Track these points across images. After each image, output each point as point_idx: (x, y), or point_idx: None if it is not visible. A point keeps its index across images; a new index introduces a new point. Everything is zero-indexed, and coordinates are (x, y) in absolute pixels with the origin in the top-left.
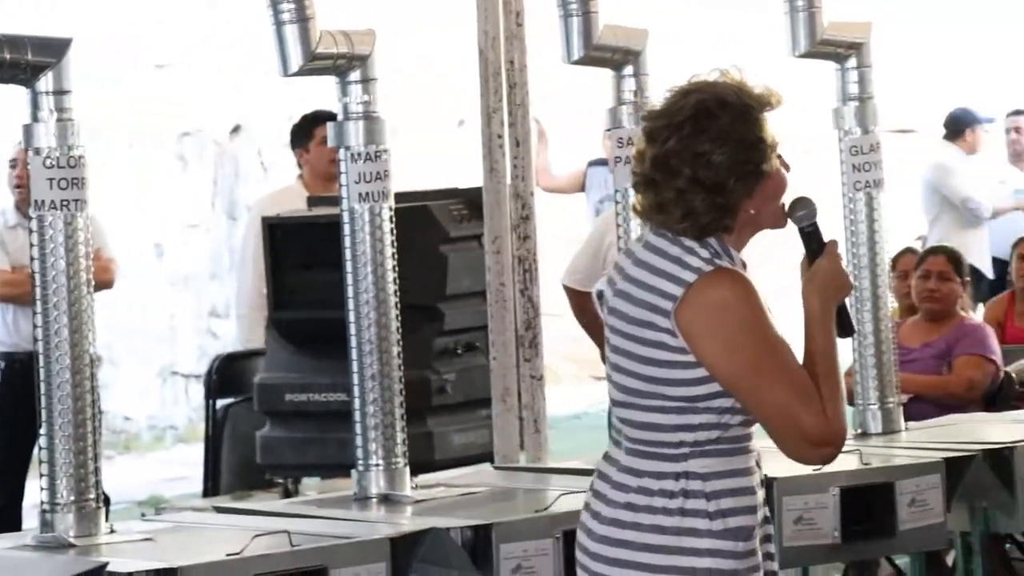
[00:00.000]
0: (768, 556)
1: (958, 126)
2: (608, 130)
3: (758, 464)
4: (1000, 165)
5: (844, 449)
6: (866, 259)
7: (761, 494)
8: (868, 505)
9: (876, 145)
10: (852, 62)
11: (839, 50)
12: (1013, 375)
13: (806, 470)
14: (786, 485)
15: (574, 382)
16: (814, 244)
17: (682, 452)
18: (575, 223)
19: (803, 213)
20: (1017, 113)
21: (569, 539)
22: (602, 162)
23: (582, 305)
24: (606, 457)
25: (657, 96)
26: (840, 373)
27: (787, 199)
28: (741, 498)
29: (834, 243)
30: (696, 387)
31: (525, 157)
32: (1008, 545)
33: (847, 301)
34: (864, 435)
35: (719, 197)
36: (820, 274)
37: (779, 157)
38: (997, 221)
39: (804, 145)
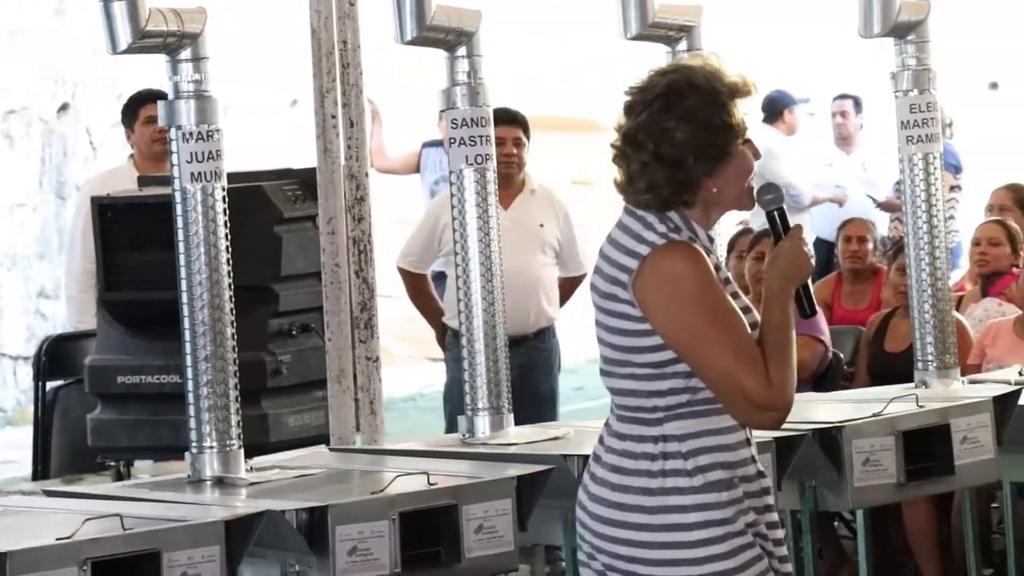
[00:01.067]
0: (767, 508)
1: (775, 108)
2: (443, 111)
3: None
4: (827, 147)
5: None
6: None
7: (749, 450)
8: None
9: None
10: (683, 45)
11: (670, 33)
12: (840, 355)
13: None
14: None
15: (410, 363)
16: (779, 227)
17: (657, 416)
18: (410, 204)
19: (770, 197)
20: (842, 97)
21: (405, 520)
22: (437, 143)
23: (417, 287)
24: (605, 422)
25: (490, 76)
26: (792, 348)
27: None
28: (718, 454)
29: (798, 227)
30: (658, 353)
31: (359, 137)
32: (836, 523)
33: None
34: None
35: (679, 173)
36: (782, 255)
37: (747, 143)
38: (825, 204)
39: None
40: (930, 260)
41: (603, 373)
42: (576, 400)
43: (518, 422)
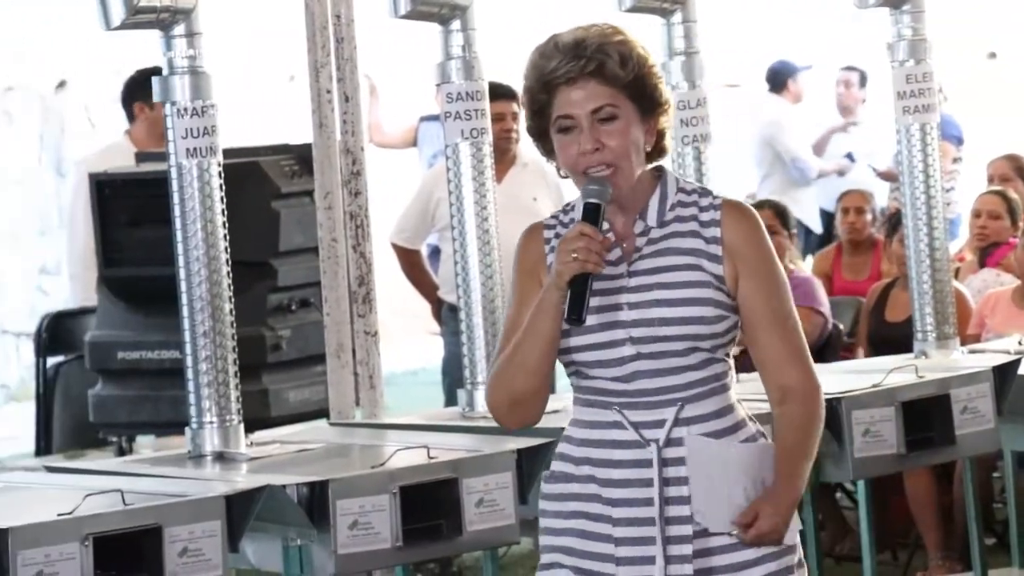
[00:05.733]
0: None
1: (780, 78)
2: (439, 85)
3: (620, 424)
4: (830, 115)
5: None
6: None
7: (592, 452)
8: None
9: (703, 100)
10: (678, 17)
11: (665, 5)
12: (840, 326)
13: None
14: None
15: (408, 338)
16: (588, 220)
17: None
18: (409, 179)
19: (590, 189)
20: (848, 69)
21: (406, 494)
22: (435, 117)
23: (411, 262)
24: None
25: (485, 50)
26: (515, 351)
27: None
28: (563, 446)
29: (576, 226)
30: None
31: (355, 112)
32: (838, 494)
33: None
34: None
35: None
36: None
37: (563, 129)
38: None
39: None
40: (928, 231)
41: None
42: None
43: None
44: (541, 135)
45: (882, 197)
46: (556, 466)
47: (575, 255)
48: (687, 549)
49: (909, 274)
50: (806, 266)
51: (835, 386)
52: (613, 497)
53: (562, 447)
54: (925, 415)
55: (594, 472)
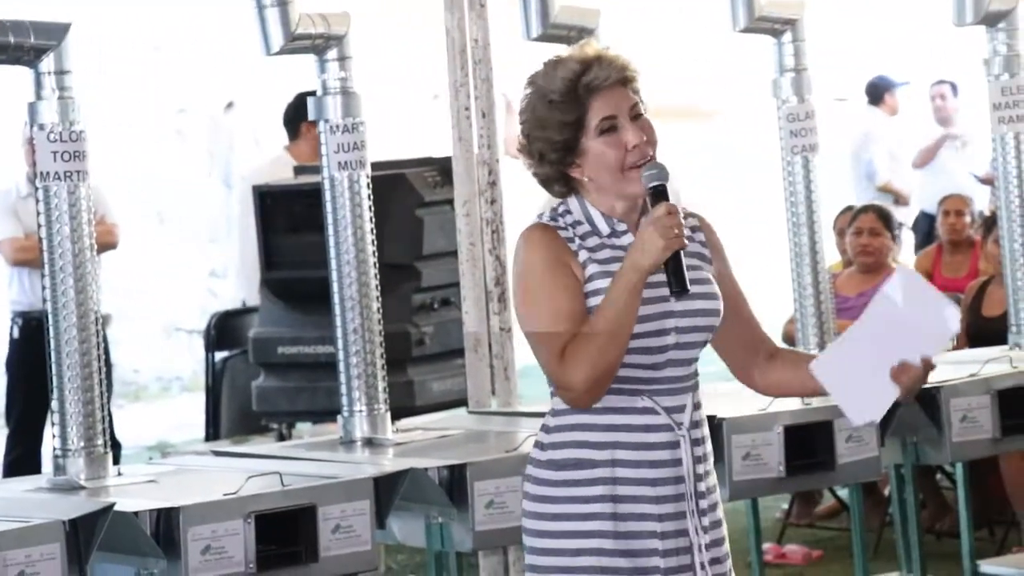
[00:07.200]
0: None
1: (878, 92)
2: None
3: (652, 410)
4: (929, 126)
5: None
6: (803, 217)
7: (621, 437)
8: (809, 441)
9: (811, 112)
10: (788, 36)
11: (776, 26)
12: None
13: (752, 410)
14: (734, 424)
15: None
16: (656, 204)
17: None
18: (540, 188)
19: (652, 173)
20: (940, 83)
21: None
22: None
23: None
24: None
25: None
26: (607, 329)
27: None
28: (578, 433)
29: (660, 206)
30: None
31: (491, 127)
32: (938, 476)
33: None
34: None
35: (540, 167)
36: (639, 234)
37: (608, 129)
38: (929, 179)
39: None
40: (1022, 231)
41: None
42: None
43: None
44: (568, 149)
45: (983, 201)
46: (567, 453)
47: (676, 232)
48: (706, 520)
49: (1004, 272)
50: (909, 264)
51: (935, 376)
52: (652, 477)
53: (576, 435)
54: (1019, 402)
55: (622, 455)
